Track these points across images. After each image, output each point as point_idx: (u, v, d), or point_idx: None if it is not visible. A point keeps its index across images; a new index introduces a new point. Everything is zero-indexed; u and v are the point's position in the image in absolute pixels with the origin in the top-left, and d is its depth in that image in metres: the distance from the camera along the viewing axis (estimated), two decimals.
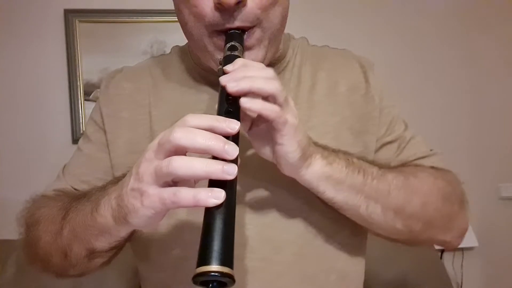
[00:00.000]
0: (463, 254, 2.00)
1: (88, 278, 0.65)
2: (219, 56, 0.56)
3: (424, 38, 2.01)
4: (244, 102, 0.46)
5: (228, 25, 0.56)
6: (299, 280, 0.62)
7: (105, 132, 0.68)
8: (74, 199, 0.59)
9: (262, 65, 0.52)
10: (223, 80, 0.47)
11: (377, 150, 0.68)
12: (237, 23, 0.55)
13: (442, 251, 1.94)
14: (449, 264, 1.96)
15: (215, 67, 0.58)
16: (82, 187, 0.66)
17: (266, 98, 0.48)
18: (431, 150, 0.71)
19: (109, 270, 0.65)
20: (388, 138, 0.69)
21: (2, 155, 1.72)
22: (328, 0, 1.94)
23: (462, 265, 1.99)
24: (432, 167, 0.66)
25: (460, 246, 1.94)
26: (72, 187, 0.67)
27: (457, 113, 2.04)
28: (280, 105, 0.48)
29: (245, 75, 0.47)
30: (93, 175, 0.67)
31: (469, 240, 1.93)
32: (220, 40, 0.57)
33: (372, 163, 0.60)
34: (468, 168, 2.01)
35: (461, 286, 1.97)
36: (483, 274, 2.05)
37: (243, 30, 0.57)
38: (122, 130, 0.67)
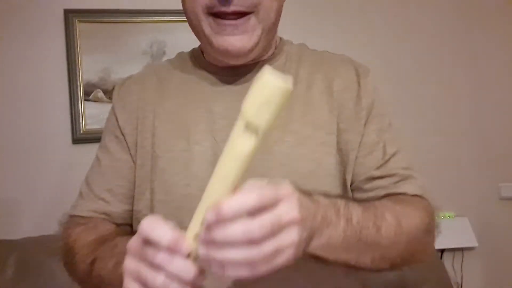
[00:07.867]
0: (463, 254, 1.99)
1: None
2: (215, 39, 0.60)
3: (424, 38, 2.01)
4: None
5: (224, 9, 0.58)
6: None
7: (123, 136, 0.71)
8: (101, 243, 0.62)
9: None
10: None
11: (364, 157, 0.68)
12: (232, 8, 0.58)
13: (442, 251, 1.94)
14: (449, 264, 1.96)
15: (212, 52, 0.64)
16: (106, 195, 0.70)
17: None
18: (406, 168, 0.69)
19: None
20: (375, 147, 0.68)
21: (2, 155, 1.72)
22: (327, 2, 1.94)
23: (462, 265, 1.99)
24: (415, 195, 0.66)
25: (460, 246, 1.95)
26: (98, 197, 0.71)
27: (457, 113, 2.04)
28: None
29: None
30: (114, 183, 0.71)
31: (469, 240, 1.93)
32: (216, 23, 0.60)
33: (368, 204, 0.58)
34: (469, 168, 2.01)
35: (461, 286, 1.97)
36: (483, 274, 2.05)
37: (239, 17, 0.59)
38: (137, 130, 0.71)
